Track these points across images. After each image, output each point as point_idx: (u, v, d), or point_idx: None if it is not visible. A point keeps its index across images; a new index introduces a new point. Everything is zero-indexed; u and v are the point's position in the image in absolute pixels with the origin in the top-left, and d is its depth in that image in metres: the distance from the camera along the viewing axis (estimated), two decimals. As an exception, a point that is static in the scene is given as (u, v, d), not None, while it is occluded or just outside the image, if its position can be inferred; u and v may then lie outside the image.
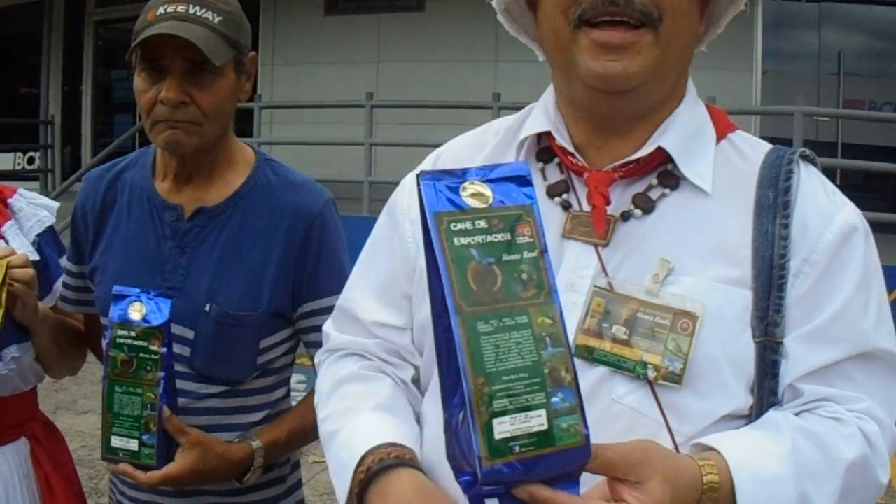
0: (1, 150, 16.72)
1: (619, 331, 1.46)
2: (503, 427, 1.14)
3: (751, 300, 1.46)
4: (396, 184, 1.80)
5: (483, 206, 1.22)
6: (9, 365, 2.23)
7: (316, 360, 1.83)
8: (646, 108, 1.54)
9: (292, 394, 2.39)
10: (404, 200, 1.73)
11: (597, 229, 1.52)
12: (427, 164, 1.76)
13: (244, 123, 13.17)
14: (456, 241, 1.19)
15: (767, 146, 1.60)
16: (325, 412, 1.68)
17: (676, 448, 1.43)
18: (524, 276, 1.20)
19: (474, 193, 1.22)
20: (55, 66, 17.09)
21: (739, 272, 1.47)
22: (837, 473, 1.41)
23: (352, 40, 14.03)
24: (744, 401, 1.46)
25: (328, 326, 1.82)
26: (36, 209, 2.45)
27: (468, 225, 1.20)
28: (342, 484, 1.50)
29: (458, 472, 1.25)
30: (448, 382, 1.26)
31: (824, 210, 1.52)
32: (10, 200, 2.43)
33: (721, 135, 1.60)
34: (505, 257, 1.20)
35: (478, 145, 1.72)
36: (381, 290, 1.72)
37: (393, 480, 1.44)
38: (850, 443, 1.43)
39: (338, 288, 2.11)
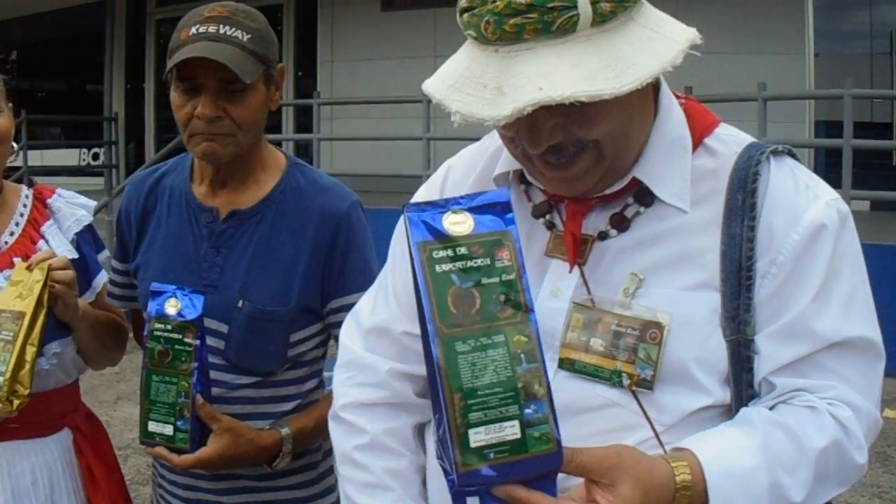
0: (66, 146, 17.07)
1: (597, 343, 1.56)
2: (478, 437, 1.27)
3: (719, 301, 1.53)
4: None
5: (464, 233, 1.33)
6: (51, 360, 2.38)
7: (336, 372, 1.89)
8: (605, 187, 1.61)
9: (327, 385, 2.49)
10: None
11: (569, 256, 1.61)
12: (439, 175, 1.86)
13: (305, 118, 13.32)
14: (437, 268, 1.31)
15: (744, 143, 1.63)
16: (345, 472, 1.79)
17: (658, 437, 1.53)
18: (502, 297, 1.30)
19: (456, 222, 1.33)
20: (118, 64, 17.34)
21: (706, 276, 1.54)
22: (809, 460, 1.47)
23: (409, 35, 14.09)
24: (719, 395, 1.54)
25: (344, 336, 1.90)
26: (74, 209, 2.58)
27: (449, 252, 1.32)
28: None
29: (445, 473, 1.36)
30: (434, 396, 1.37)
31: (791, 210, 1.55)
32: (48, 201, 2.57)
33: (698, 141, 1.63)
34: (484, 281, 1.31)
35: (473, 163, 1.80)
36: (406, 300, 1.76)
37: None
38: (821, 429, 1.49)
39: (364, 285, 2.22)
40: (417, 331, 1.74)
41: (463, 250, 1.32)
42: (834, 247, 1.55)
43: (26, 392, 2.21)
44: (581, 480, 1.39)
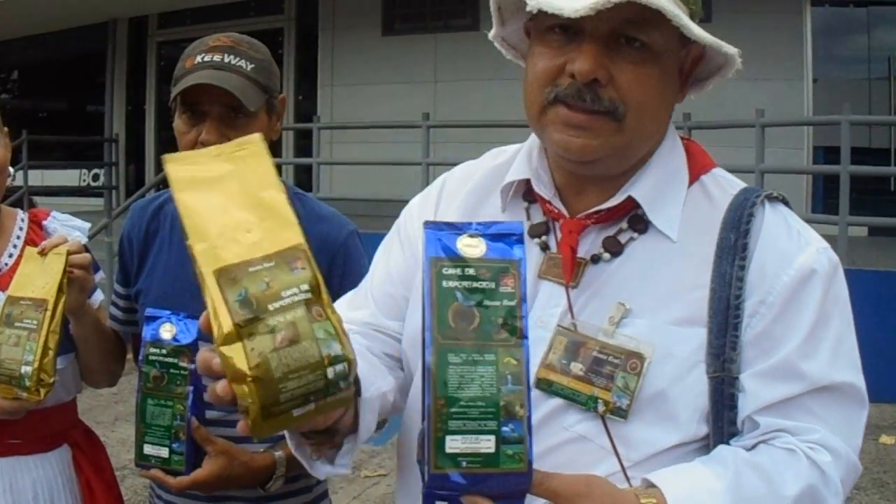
0: (67, 166, 17.11)
1: (577, 367, 1.58)
2: (454, 443, 1.33)
3: (705, 338, 1.55)
4: None
5: (476, 256, 1.40)
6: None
7: None
8: (611, 174, 1.64)
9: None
10: (410, 222, 1.90)
11: (564, 275, 1.64)
12: (436, 186, 1.92)
13: (305, 142, 13.37)
14: (444, 283, 1.38)
15: (738, 187, 1.67)
16: None
17: (624, 471, 1.54)
18: (500, 320, 1.37)
19: (469, 244, 1.40)
20: (119, 85, 17.43)
21: (693, 312, 1.56)
22: None
23: (409, 60, 14.17)
24: (693, 431, 1.55)
25: None
26: (70, 230, 2.63)
27: (458, 271, 1.39)
28: None
29: (422, 476, 1.40)
30: (422, 400, 1.41)
31: (783, 253, 1.58)
32: (44, 223, 2.63)
33: (695, 177, 1.67)
34: (486, 302, 1.37)
35: (467, 176, 1.87)
36: (378, 292, 1.87)
37: None
38: (797, 475, 1.49)
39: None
40: (392, 327, 1.83)
41: (471, 271, 1.39)
42: (824, 292, 1.57)
43: (51, 380, 2.26)
44: None
